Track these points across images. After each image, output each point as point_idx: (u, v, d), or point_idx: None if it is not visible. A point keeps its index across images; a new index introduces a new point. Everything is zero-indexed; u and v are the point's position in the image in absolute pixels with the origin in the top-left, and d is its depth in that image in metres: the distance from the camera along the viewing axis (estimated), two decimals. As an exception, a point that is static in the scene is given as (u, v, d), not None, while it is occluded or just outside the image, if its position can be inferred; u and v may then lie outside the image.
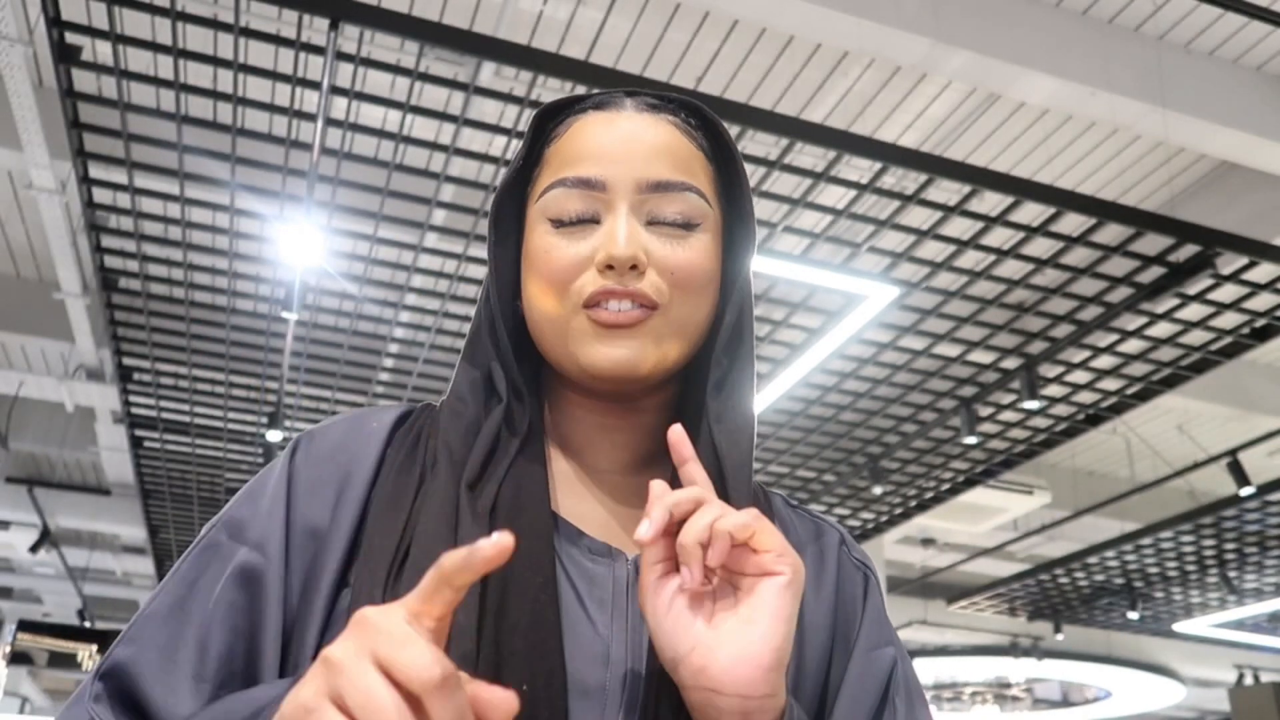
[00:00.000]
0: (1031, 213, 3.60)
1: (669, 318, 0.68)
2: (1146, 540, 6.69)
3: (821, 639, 0.70)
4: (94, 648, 7.78)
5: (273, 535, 0.66)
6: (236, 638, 0.62)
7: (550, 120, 0.75)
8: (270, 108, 3.24)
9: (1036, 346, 4.39)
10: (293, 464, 0.69)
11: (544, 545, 0.64)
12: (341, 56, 2.96)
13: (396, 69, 3.10)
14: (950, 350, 4.50)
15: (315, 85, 3.05)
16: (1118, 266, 3.85)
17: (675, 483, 0.73)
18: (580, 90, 3.19)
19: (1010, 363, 4.53)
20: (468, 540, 0.58)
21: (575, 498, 0.71)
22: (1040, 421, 5.08)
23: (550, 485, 0.69)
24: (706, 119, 0.75)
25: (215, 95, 3.16)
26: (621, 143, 0.70)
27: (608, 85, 2.97)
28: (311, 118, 3.13)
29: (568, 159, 0.71)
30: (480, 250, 3.88)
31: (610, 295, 0.67)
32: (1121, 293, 3.98)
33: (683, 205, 0.70)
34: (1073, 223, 3.64)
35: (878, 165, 3.38)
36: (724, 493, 0.68)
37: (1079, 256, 3.86)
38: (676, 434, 0.65)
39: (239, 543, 0.66)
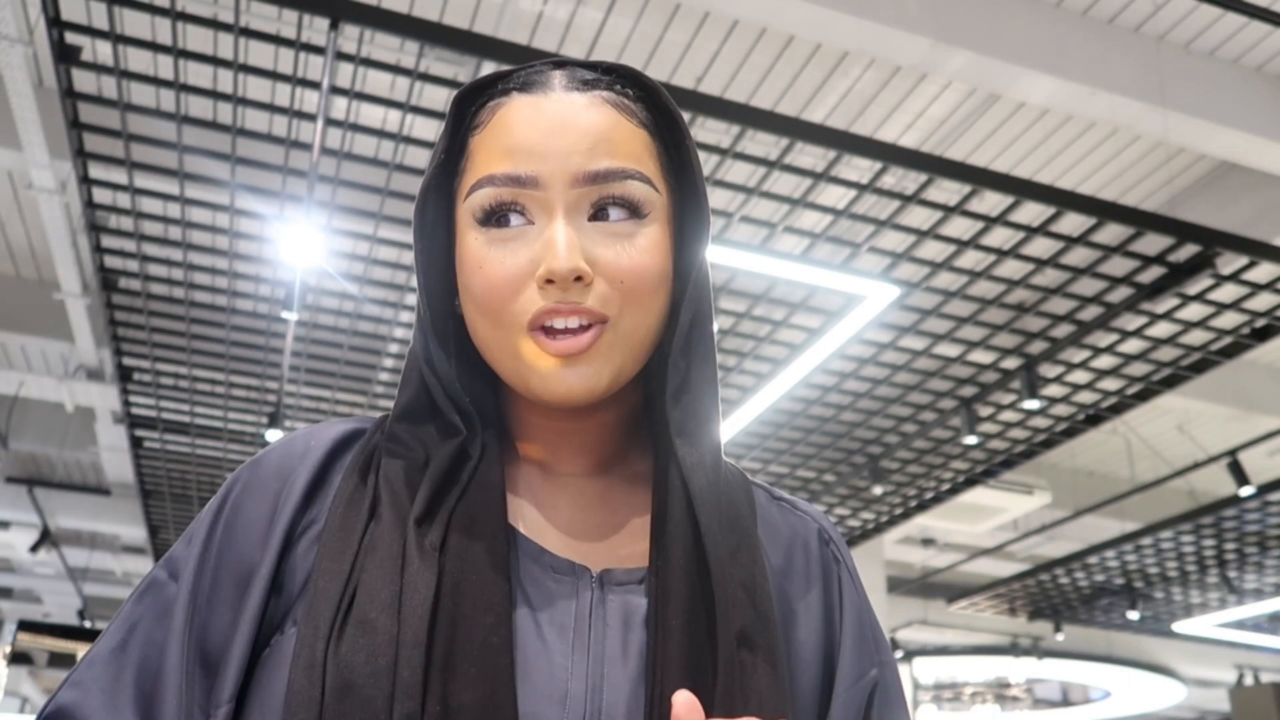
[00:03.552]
0: (1032, 213, 3.60)
1: (619, 331, 0.62)
2: (1146, 540, 6.68)
3: (815, 671, 0.68)
4: (94, 648, 7.78)
5: (188, 568, 0.64)
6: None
7: (470, 103, 0.67)
8: (270, 108, 3.24)
9: (1036, 346, 4.39)
10: (227, 496, 0.67)
11: (497, 578, 0.60)
12: (341, 56, 2.96)
13: (396, 69, 3.10)
14: (950, 350, 4.50)
15: (315, 85, 3.05)
16: (1118, 266, 3.85)
17: (640, 479, 0.71)
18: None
19: (1010, 363, 4.53)
20: (415, 582, 0.59)
21: (536, 506, 0.68)
22: (1040, 421, 5.08)
23: (508, 499, 0.66)
24: (646, 87, 0.67)
25: (215, 95, 3.16)
26: (553, 131, 0.63)
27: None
28: (311, 118, 3.13)
29: (494, 152, 0.64)
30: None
31: (555, 314, 0.61)
32: (1121, 293, 3.97)
33: (625, 194, 0.63)
34: (1073, 223, 3.63)
35: (878, 165, 3.38)
36: (693, 515, 0.63)
37: (1079, 256, 3.86)
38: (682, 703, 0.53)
39: (173, 580, 0.65)
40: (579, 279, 0.61)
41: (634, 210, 0.63)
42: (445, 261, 0.69)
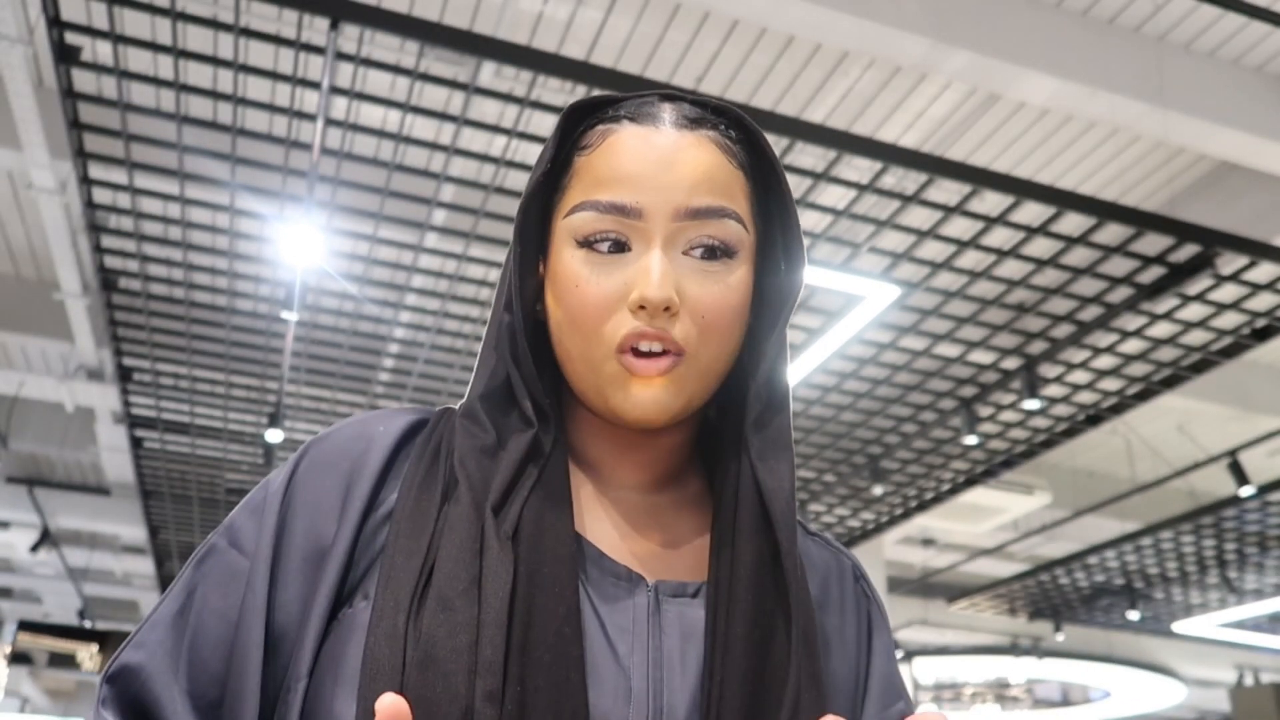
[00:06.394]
0: (1032, 213, 3.60)
1: (696, 365, 0.66)
2: (1146, 540, 6.69)
3: (848, 697, 0.71)
4: (94, 648, 7.79)
5: (263, 542, 0.66)
6: (224, 649, 0.64)
7: (579, 122, 0.71)
8: (270, 108, 3.24)
9: (1037, 346, 4.39)
10: (296, 470, 0.69)
11: (567, 572, 0.63)
12: (341, 56, 2.96)
13: (396, 69, 3.10)
14: (950, 350, 4.50)
15: (315, 85, 3.05)
16: (1118, 266, 3.85)
17: (694, 500, 0.74)
18: (581, 91, 3.19)
19: (1010, 363, 4.53)
20: (494, 567, 0.61)
21: (595, 517, 0.70)
22: (1040, 421, 5.08)
23: (572, 505, 0.68)
24: (748, 131, 0.71)
25: (215, 95, 3.16)
26: (660, 166, 0.66)
27: (607, 86, 2.97)
28: (311, 118, 3.13)
29: (601, 177, 0.67)
30: (481, 250, 3.88)
31: (643, 337, 0.64)
32: (1122, 293, 3.97)
33: (721, 233, 0.67)
34: (1073, 223, 3.63)
35: (878, 165, 3.38)
36: (773, 534, 0.66)
37: (1079, 257, 3.86)
38: None
39: (235, 549, 0.67)
40: (667, 309, 0.64)
41: (726, 249, 0.67)
42: (534, 268, 0.71)
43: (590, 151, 0.69)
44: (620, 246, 0.66)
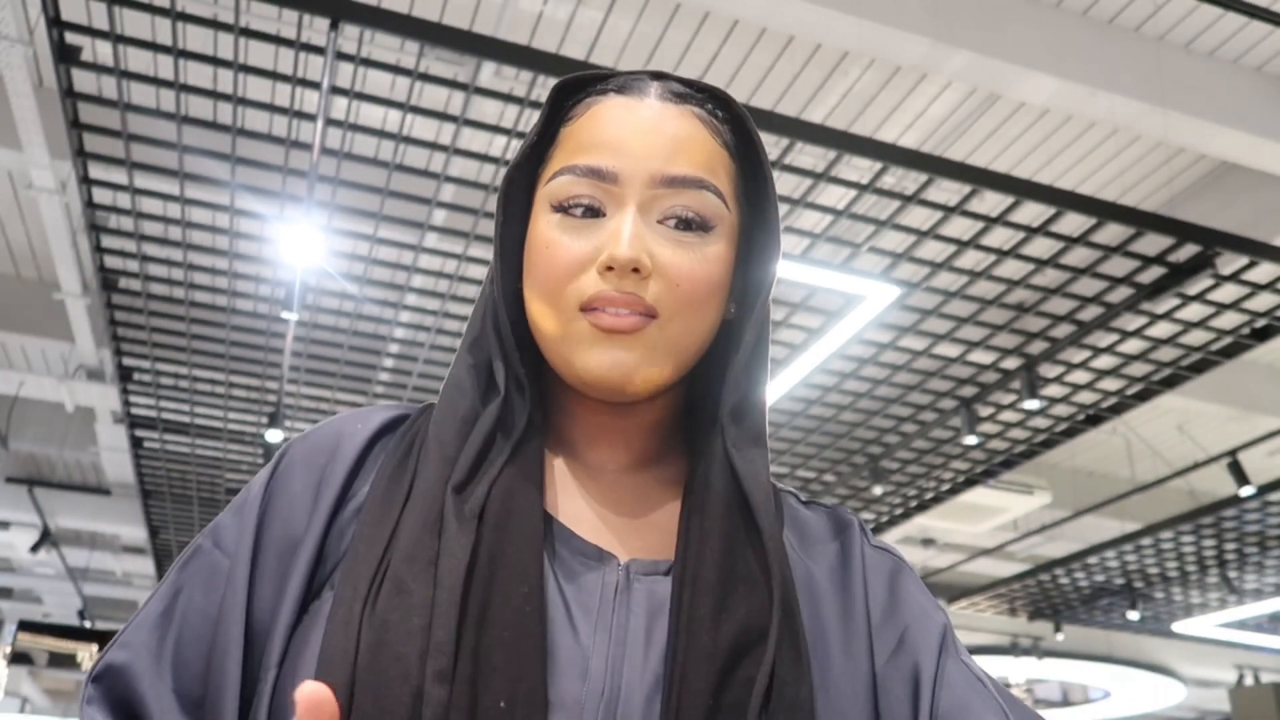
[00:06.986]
0: (1032, 213, 3.60)
1: (666, 332, 0.65)
2: (1146, 540, 6.68)
3: (859, 649, 0.67)
4: (94, 648, 7.77)
5: (243, 541, 0.66)
6: (207, 647, 0.64)
7: (568, 96, 0.71)
8: (270, 108, 3.24)
9: (1036, 346, 4.39)
10: (276, 470, 0.70)
11: (531, 552, 0.62)
12: (341, 56, 2.96)
13: (396, 69, 3.10)
14: (950, 350, 4.50)
15: (315, 85, 3.05)
16: (1118, 266, 3.85)
17: (674, 480, 0.73)
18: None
19: (1010, 363, 4.53)
20: (450, 546, 0.60)
21: (570, 496, 0.69)
22: (1040, 421, 5.08)
23: (545, 484, 0.67)
24: (735, 113, 0.70)
25: (215, 95, 3.16)
26: (640, 133, 0.66)
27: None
28: (311, 118, 3.13)
29: (581, 144, 0.67)
30: (481, 251, 3.88)
31: (609, 301, 0.63)
32: (1121, 293, 3.97)
33: (698, 204, 0.65)
34: (1073, 223, 3.63)
35: (878, 165, 3.38)
36: (755, 523, 0.65)
37: (1079, 257, 3.86)
38: None
39: (218, 549, 0.67)
40: (636, 270, 0.63)
41: (702, 221, 0.66)
42: (520, 244, 0.71)
43: (574, 122, 0.69)
44: (594, 212, 0.65)
